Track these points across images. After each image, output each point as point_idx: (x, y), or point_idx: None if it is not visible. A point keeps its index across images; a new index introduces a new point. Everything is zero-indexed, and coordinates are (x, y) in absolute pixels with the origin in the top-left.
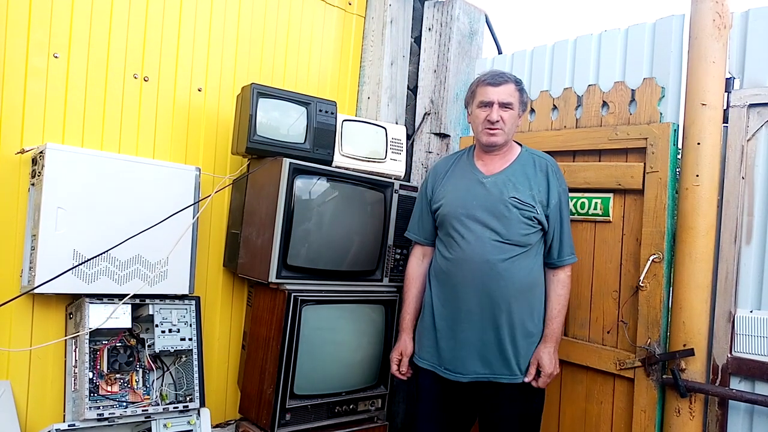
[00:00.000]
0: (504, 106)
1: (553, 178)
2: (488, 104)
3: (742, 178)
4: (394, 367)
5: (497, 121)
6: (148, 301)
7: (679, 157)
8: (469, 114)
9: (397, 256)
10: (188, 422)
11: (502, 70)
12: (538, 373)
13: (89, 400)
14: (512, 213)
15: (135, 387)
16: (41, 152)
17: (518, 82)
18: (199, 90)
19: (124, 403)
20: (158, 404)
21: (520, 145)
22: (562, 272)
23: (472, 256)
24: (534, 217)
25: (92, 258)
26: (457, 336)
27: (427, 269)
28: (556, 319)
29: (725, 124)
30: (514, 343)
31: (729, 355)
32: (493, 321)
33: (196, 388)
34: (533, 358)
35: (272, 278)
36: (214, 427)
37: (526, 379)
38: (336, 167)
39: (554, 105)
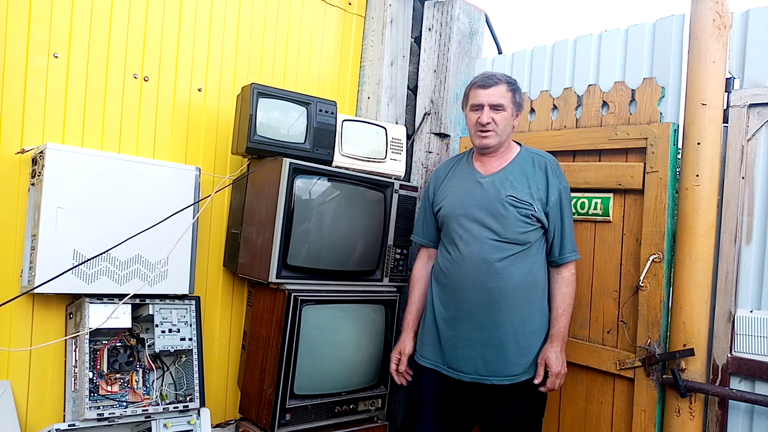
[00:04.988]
0: (495, 108)
1: (552, 175)
2: (479, 107)
3: (742, 178)
4: (393, 366)
5: (488, 123)
6: (148, 301)
7: (679, 157)
8: (466, 117)
9: (397, 256)
10: (188, 422)
11: (499, 70)
12: (546, 374)
13: (89, 400)
14: (509, 211)
15: (135, 387)
16: (41, 152)
17: (511, 83)
18: (199, 90)
19: (124, 403)
20: (158, 404)
21: (520, 144)
22: (566, 270)
23: (470, 256)
24: (531, 214)
25: (92, 258)
26: (458, 335)
27: (430, 261)
28: (561, 318)
29: (725, 124)
30: (517, 342)
31: (729, 355)
32: (494, 321)
33: (196, 388)
34: (540, 359)
35: (272, 278)
36: (214, 427)
37: (536, 381)
38: (336, 167)
39: (554, 105)
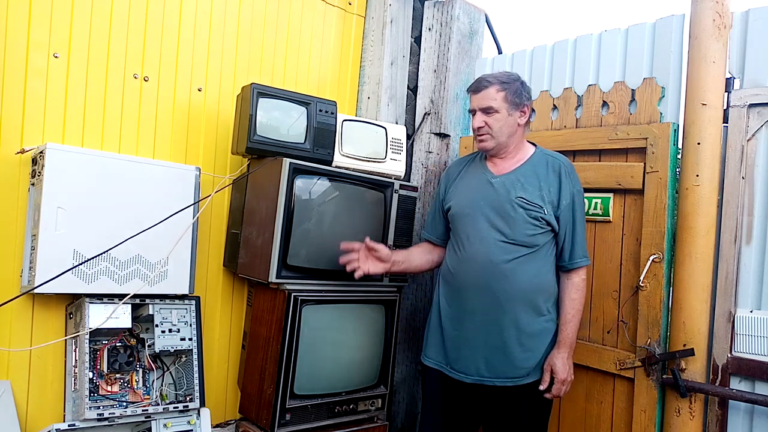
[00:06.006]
0: (485, 111)
1: (566, 178)
2: (473, 112)
3: (742, 178)
4: (357, 244)
5: (480, 128)
6: (148, 301)
7: (679, 157)
8: None
9: None
10: (188, 422)
11: (499, 70)
12: (552, 380)
13: (89, 400)
14: (518, 213)
15: (135, 387)
16: (41, 152)
17: (504, 82)
18: (199, 90)
19: (124, 403)
20: (158, 404)
21: (535, 145)
22: (576, 275)
23: (475, 256)
24: (541, 217)
25: (92, 258)
26: (462, 336)
27: (432, 253)
28: (569, 324)
29: (725, 124)
30: (521, 344)
31: (729, 355)
32: (497, 322)
33: (196, 388)
34: (546, 365)
35: (272, 278)
36: (214, 427)
37: (541, 387)
38: (336, 167)
39: (554, 105)
